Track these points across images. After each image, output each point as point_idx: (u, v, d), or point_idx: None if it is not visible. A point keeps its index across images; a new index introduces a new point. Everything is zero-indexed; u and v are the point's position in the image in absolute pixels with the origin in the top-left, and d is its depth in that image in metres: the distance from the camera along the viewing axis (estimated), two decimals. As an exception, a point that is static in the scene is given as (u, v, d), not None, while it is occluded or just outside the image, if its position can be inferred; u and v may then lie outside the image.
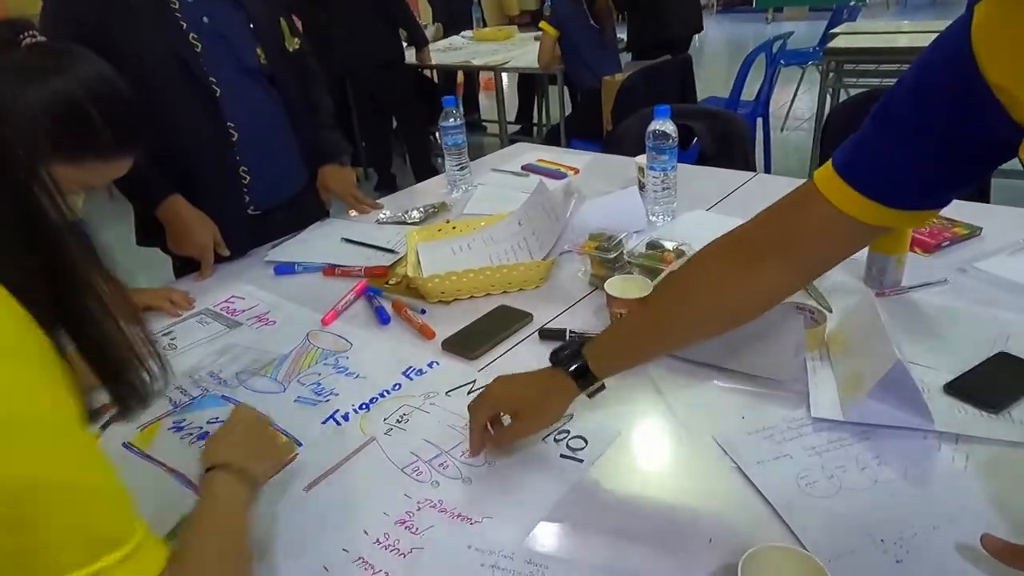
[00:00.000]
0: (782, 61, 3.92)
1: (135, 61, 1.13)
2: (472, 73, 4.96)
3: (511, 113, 5.27)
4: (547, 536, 0.69)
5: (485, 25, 5.26)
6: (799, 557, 0.57)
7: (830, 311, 1.01)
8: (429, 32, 4.43)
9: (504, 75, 4.05)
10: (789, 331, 0.90)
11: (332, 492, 0.77)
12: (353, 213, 1.59)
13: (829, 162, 0.68)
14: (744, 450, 0.77)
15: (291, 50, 1.44)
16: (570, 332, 1.02)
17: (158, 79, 1.22)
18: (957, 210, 1.26)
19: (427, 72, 4.61)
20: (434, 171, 4.05)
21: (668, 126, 1.33)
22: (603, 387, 0.80)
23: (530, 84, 4.64)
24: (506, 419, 0.80)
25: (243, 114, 1.34)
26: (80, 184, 0.93)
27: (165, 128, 1.20)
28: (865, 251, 1.09)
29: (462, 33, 4.73)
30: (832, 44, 3.48)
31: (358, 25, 3.50)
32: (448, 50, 4.35)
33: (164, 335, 1.14)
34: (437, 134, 4.87)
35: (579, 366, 0.77)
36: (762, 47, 3.61)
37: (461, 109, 3.10)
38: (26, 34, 0.87)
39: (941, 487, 0.70)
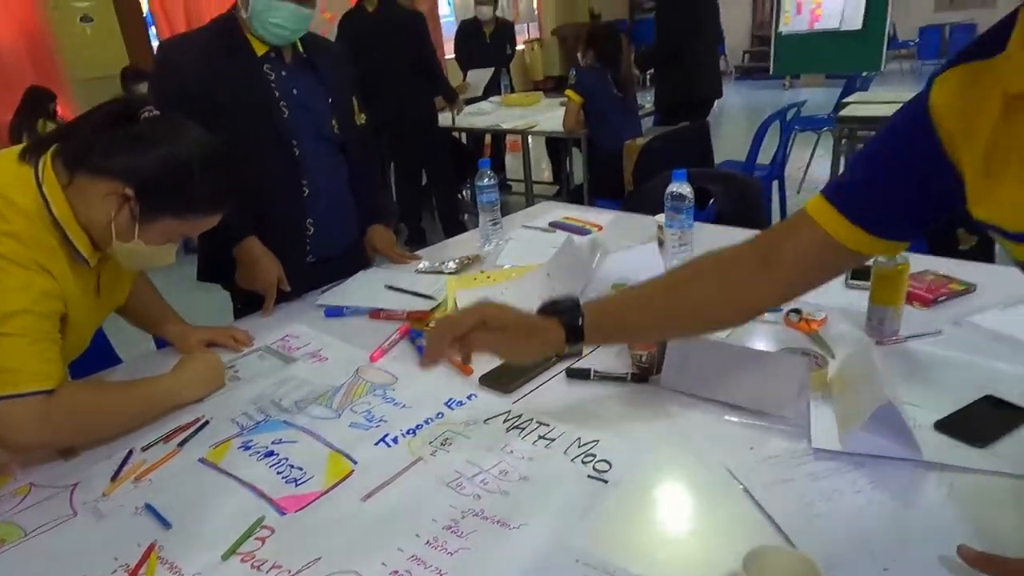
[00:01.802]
0: (797, 127, 4.10)
1: (231, 119, 1.33)
2: (499, 135, 5.22)
3: (544, 174, 5.51)
4: (576, 544, 0.78)
5: (513, 90, 5.53)
6: (795, 557, 0.66)
7: (833, 357, 1.11)
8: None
9: (530, 138, 4.27)
10: (794, 373, 1.00)
11: (386, 502, 0.87)
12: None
13: (819, 194, 0.80)
14: (752, 476, 0.87)
15: (359, 124, 1.64)
16: (594, 371, 1.13)
17: (249, 136, 1.43)
18: (953, 267, 1.37)
19: (456, 134, 4.86)
20: (462, 227, 4.24)
21: (685, 188, 1.46)
22: (579, 355, 0.87)
23: (558, 146, 4.87)
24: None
25: (315, 174, 1.55)
26: (180, 234, 1.09)
27: (249, 179, 1.37)
28: (866, 304, 1.19)
29: (490, 98, 5.00)
30: (843, 113, 3.65)
31: (399, 86, 3.74)
32: (478, 114, 4.60)
33: (228, 368, 1.27)
34: (465, 192, 5.10)
35: (574, 322, 0.86)
36: (776, 114, 3.79)
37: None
38: (145, 110, 1.04)
39: (927, 509, 0.79)
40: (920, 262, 1.38)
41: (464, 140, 5.14)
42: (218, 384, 1.19)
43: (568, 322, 0.87)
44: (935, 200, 0.73)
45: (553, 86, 10.95)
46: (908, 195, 0.74)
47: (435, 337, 0.87)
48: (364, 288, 1.59)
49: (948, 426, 0.91)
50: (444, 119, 4.23)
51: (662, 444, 0.95)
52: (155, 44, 7.32)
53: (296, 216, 1.56)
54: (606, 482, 0.88)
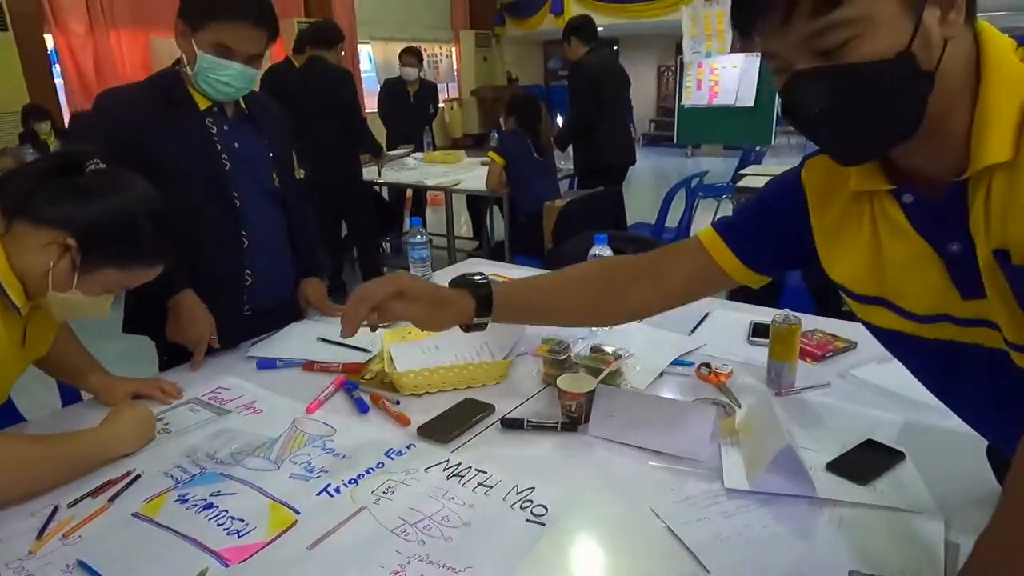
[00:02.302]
0: (700, 194, 4.44)
1: (172, 170, 1.35)
2: (420, 190, 5.33)
3: (464, 229, 5.64)
4: (517, 582, 0.84)
5: (435, 147, 5.68)
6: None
7: (739, 406, 1.24)
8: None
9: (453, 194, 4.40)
10: (706, 421, 1.11)
11: (332, 550, 0.90)
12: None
13: (711, 227, 0.98)
14: (673, 515, 0.95)
15: (298, 178, 1.68)
16: (527, 421, 1.20)
17: (190, 188, 1.44)
18: (837, 327, 1.55)
19: (377, 187, 4.92)
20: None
21: (606, 251, 1.59)
22: (484, 327, 1.00)
23: (479, 204, 5.02)
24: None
25: (255, 226, 1.57)
26: (119, 285, 1.09)
27: (189, 230, 1.38)
28: (766, 359, 1.34)
29: (414, 155, 5.11)
30: (740, 183, 4.01)
31: (324, 141, 3.78)
32: (401, 169, 4.70)
33: (157, 420, 1.24)
34: (385, 245, 5.13)
35: (484, 294, 0.98)
36: (682, 183, 4.10)
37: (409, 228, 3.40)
38: (91, 161, 1.06)
39: (822, 540, 0.90)
40: (809, 322, 1.56)
41: (385, 194, 5.20)
42: (149, 437, 1.17)
43: (479, 294, 0.98)
44: (796, 251, 0.91)
45: (471, 143, 11.26)
46: (779, 243, 0.93)
47: (353, 306, 0.94)
48: (296, 340, 1.60)
49: (837, 467, 1.04)
50: (369, 173, 4.29)
51: (593, 488, 1.03)
52: (59, 83, 7.03)
53: (235, 267, 1.57)
54: (543, 525, 0.94)
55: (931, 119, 0.67)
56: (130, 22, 7.31)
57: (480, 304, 0.98)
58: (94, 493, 1.03)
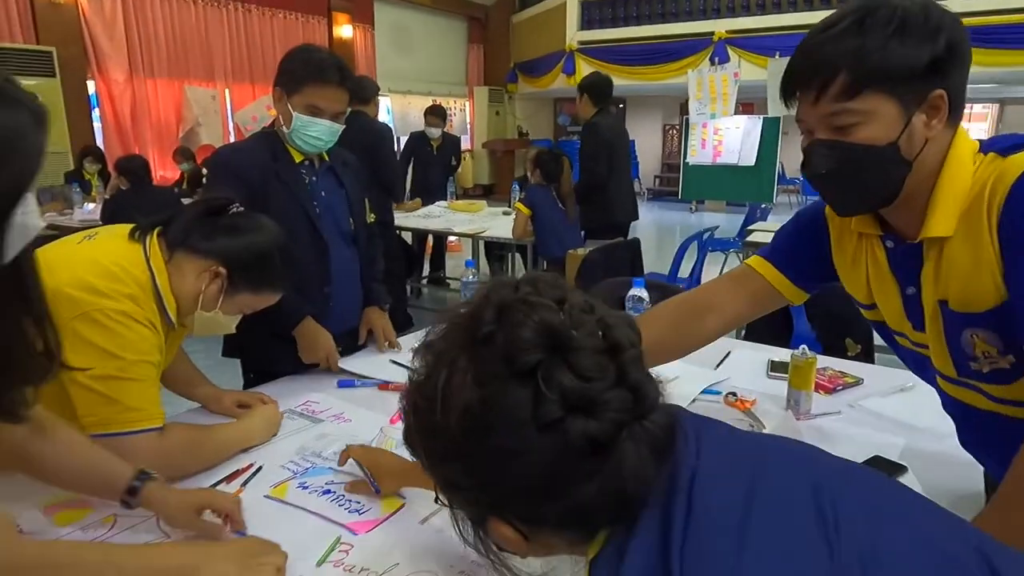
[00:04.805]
0: (710, 248, 4.70)
1: (282, 216, 1.57)
2: (440, 236, 5.61)
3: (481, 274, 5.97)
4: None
5: (457, 197, 5.99)
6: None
7: (764, 427, 1.44)
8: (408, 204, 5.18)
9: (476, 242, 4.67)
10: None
11: (443, 522, 1.09)
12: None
13: (758, 256, 1.19)
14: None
15: (369, 222, 1.93)
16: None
17: (294, 231, 1.67)
18: (845, 366, 1.77)
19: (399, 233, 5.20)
20: (409, 318, 4.48)
21: (643, 293, 1.82)
22: None
23: (496, 250, 5.30)
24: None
25: (337, 262, 1.81)
26: (250, 307, 1.32)
27: (295, 267, 1.61)
28: (783, 390, 1.55)
29: (437, 203, 5.41)
30: (749, 238, 4.28)
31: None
32: (427, 217, 4.99)
33: (263, 425, 1.45)
34: (408, 287, 5.38)
35: None
36: (694, 236, 4.37)
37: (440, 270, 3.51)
38: (232, 205, 1.30)
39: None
40: (822, 361, 1.77)
41: (409, 240, 5.48)
42: (275, 432, 1.38)
43: None
44: (827, 269, 1.13)
45: (481, 193, 11.65)
46: (814, 262, 1.15)
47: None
48: (369, 363, 1.82)
49: (850, 475, 1.25)
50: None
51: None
52: (97, 125, 7.40)
53: (323, 299, 1.80)
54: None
55: (906, 192, 0.91)
56: (167, 72, 7.75)
57: None
58: (228, 479, 1.23)
